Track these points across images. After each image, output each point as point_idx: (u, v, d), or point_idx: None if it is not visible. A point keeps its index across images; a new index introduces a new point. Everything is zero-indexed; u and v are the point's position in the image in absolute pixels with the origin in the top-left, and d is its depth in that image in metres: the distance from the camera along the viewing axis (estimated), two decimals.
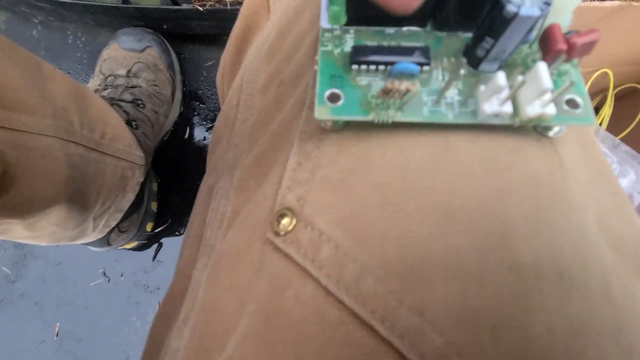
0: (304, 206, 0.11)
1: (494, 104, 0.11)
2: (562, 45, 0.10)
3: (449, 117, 0.11)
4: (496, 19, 0.10)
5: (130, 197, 0.44)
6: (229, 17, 0.47)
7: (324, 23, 0.12)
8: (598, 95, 0.47)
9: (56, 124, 0.32)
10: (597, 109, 0.49)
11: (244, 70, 0.19)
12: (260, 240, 0.12)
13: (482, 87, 0.11)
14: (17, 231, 0.33)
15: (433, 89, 0.11)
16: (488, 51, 0.11)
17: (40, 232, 0.35)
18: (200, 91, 0.57)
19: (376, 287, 0.09)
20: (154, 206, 0.52)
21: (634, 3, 0.27)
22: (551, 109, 0.10)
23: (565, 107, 0.11)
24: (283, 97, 0.15)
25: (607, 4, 0.28)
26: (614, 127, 0.49)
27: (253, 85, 0.17)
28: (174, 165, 0.55)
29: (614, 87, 0.44)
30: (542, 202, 0.10)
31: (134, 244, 0.52)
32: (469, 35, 0.12)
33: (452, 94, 0.11)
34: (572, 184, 0.11)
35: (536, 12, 0.09)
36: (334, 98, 0.11)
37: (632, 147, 0.42)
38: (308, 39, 0.15)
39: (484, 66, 0.11)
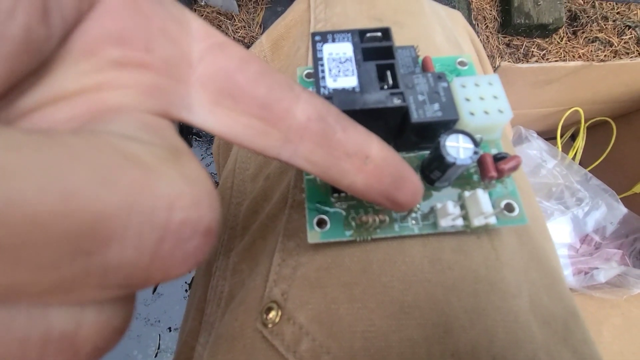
0: (287, 300, 0.13)
1: (448, 219, 0.13)
2: (494, 173, 0.13)
3: (415, 230, 0.13)
4: (440, 163, 0.12)
5: None
6: None
7: None
8: (572, 126, 0.50)
9: None
10: (573, 137, 0.53)
11: (236, 155, 0.21)
12: (251, 328, 0.14)
13: (439, 205, 0.13)
14: None
15: None
16: (438, 178, 0.13)
17: None
18: None
19: None
20: None
21: (594, 63, 0.30)
22: (493, 220, 0.13)
23: (504, 211, 0.13)
24: (270, 190, 0.17)
25: (571, 64, 0.31)
26: (588, 156, 0.52)
27: (245, 172, 0.19)
28: None
29: (586, 120, 0.47)
30: (479, 295, 0.12)
31: None
32: (425, 152, 0.14)
33: (416, 210, 0.13)
34: (507, 274, 0.13)
35: (468, 161, 0.12)
36: (321, 223, 0.13)
37: (604, 175, 0.45)
38: None
39: (437, 184, 0.14)
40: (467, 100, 0.13)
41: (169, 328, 0.53)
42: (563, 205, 0.41)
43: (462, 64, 0.16)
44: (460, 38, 0.20)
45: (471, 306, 0.12)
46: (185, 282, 0.55)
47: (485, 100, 0.13)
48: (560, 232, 0.39)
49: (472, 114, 0.13)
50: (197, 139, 0.58)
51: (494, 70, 0.30)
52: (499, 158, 0.13)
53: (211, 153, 0.58)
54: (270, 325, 0.13)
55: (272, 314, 0.13)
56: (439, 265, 0.13)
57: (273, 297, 0.14)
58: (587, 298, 0.38)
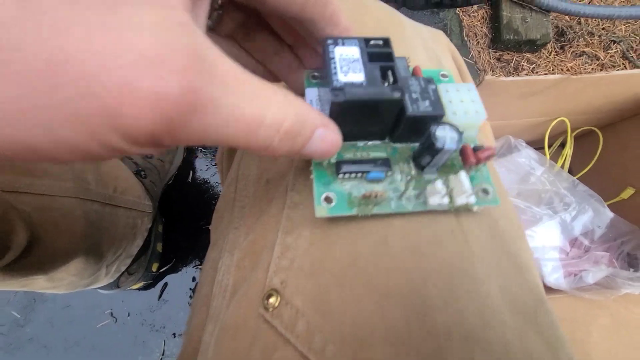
0: (286, 288, 0.15)
1: (436, 198, 0.15)
2: (473, 159, 0.15)
3: (409, 207, 0.15)
4: (430, 148, 0.14)
5: (139, 243, 0.48)
6: None
7: None
8: (561, 135, 0.53)
9: (75, 186, 0.36)
10: (563, 146, 0.55)
11: (239, 161, 0.23)
12: (255, 313, 0.16)
13: (429, 187, 0.15)
14: (38, 283, 0.36)
15: (396, 187, 0.16)
16: (428, 163, 0.15)
17: (59, 283, 0.38)
18: None
19: (335, 352, 0.13)
20: (159, 247, 0.56)
21: (572, 76, 0.33)
22: (472, 199, 0.15)
23: (481, 194, 0.16)
24: (270, 193, 0.19)
25: (551, 77, 0.33)
26: (577, 164, 0.54)
27: (247, 178, 0.21)
28: (178, 206, 0.58)
29: (574, 130, 0.49)
30: (452, 281, 0.14)
31: (141, 284, 0.54)
32: (416, 144, 0.16)
33: (410, 191, 0.16)
34: (478, 264, 0.15)
35: (453, 146, 0.14)
36: (328, 199, 0.15)
37: (593, 183, 0.47)
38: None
39: (426, 170, 0.16)
40: (450, 102, 0.15)
41: (174, 334, 0.54)
42: (552, 210, 0.43)
43: (444, 76, 0.18)
44: (442, 56, 0.22)
45: (445, 291, 0.14)
46: (190, 289, 0.56)
47: (465, 103, 0.15)
48: (549, 235, 0.41)
49: (454, 113, 0.15)
50: (203, 150, 0.61)
51: (478, 85, 0.33)
52: (476, 149, 0.15)
53: (215, 164, 0.60)
54: (270, 309, 0.15)
55: (272, 300, 0.15)
56: (417, 256, 0.15)
57: (273, 285, 0.15)
58: (577, 299, 0.39)
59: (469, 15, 0.73)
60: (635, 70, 0.34)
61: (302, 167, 0.18)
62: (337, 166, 0.15)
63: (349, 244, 0.15)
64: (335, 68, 0.13)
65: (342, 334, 0.14)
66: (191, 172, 0.60)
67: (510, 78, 0.32)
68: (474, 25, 0.72)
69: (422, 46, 0.20)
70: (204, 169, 0.60)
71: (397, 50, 0.19)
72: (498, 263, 0.15)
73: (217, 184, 0.60)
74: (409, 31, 0.20)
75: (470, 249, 0.15)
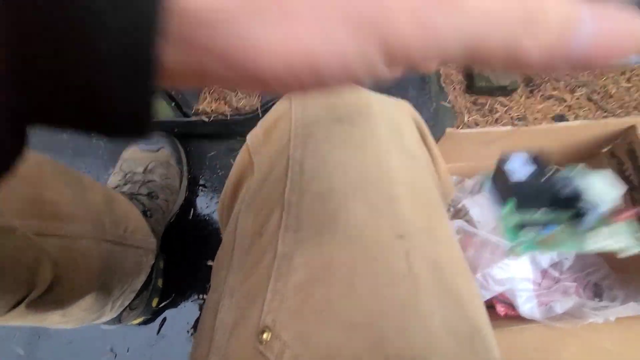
0: (275, 325, 0.19)
1: (601, 241, 0.19)
2: (626, 215, 0.18)
3: (577, 247, 0.20)
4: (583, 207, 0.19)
5: (142, 279, 0.51)
6: (228, 123, 0.59)
7: None
8: None
9: (93, 227, 0.41)
10: None
11: (237, 215, 0.27)
12: (251, 345, 0.19)
13: (591, 233, 0.19)
14: (54, 319, 0.39)
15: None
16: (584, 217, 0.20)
17: (70, 317, 0.41)
18: (203, 177, 0.66)
19: None
20: (159, 282, 0.59)
21: (521, 128, 0.39)
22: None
23: None
24: (263, 246, 0.23)
25: (502, 129, 0.39)
26: None
27: (244, 232, 0.26)
28: (178, 243, 0.62)
29: None
30: (403, 316, 0.18)
31: (141, 319, 0.57)
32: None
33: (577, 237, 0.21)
34: (424, 301, 0.19)
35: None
36: (518, 245, 0.19)
37: None
38: (275, 214, 0.23)
39: (584, 224, 0.21)
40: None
41: None
42: None
43: None
44: (404, 125, 0.28)
45: (398, 324, 0.18)
46: (187, 323, 0.58)
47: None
48: (520, 267, 0.45)
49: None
50: (203, 189, 0.66)
51: (441, 136, 0.38)
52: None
53: (216, 202, 0.65)
54: (264, 343, 0.19)
55: (265, 335, 0.19)
56: (377, 296, 0.19)
57: (266, 323, 0.20)
58: (549, 329, 0.42)
59: (445, 65, 0.81)
60: (575, 122, 0.40)
61: (288, 224, 0.22)
62: (520, 227, 0.20)
63: (324, 288, 0.19)
64: None
65: (317, 359, 0.18)
66: (192, 210, 0.64)
67: (467, 130, 0.38)
68: (450, 74, 0.80)
69: (385, 121, 0.26)
70: (204, 207, 0.64)
71: (363, 129, 0.24)
72: (440, 300, 0.19)
73: (216, 222, 0.64)
74: (375, 109, 0.26)
75: (418, 289, 0.19)
